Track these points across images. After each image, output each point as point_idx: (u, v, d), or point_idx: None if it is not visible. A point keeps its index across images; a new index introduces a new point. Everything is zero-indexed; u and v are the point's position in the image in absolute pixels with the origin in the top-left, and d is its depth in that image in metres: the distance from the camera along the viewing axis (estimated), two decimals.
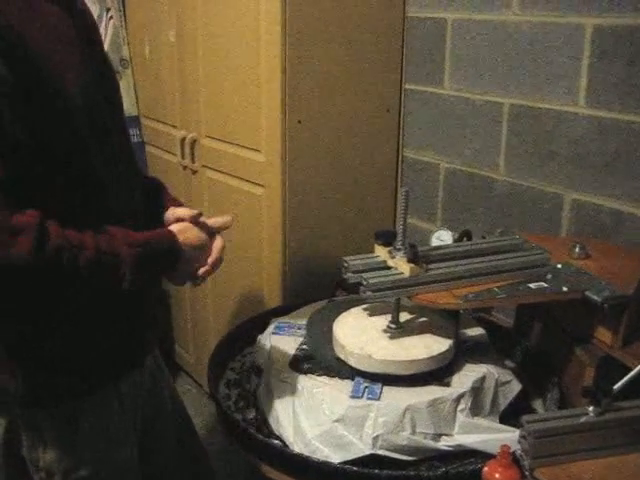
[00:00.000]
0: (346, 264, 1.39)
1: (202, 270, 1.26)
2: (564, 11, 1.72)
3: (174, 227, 1.24)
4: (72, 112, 1.08)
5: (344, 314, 1.53)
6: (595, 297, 1.33)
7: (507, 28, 1.86)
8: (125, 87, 2.69)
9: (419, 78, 2.12)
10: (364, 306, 1.54)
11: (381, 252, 1.41)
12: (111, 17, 2.72)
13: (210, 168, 2.28)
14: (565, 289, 1.37)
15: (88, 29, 1.22)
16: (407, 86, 2.16)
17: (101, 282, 1.09)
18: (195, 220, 1.28)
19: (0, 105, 0.97)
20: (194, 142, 2.33)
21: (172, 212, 1.34)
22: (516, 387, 1.43)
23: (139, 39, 2.66)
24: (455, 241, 1.69)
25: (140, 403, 1.33)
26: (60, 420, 1.19)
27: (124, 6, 2.73)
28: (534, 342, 1.62)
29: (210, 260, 1.27)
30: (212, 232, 1.30)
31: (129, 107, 2.70)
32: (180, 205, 1.38)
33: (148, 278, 1.19)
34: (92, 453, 1.22)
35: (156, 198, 1.38)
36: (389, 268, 1.38)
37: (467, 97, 1.99)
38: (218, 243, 1.30)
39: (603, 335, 1.38)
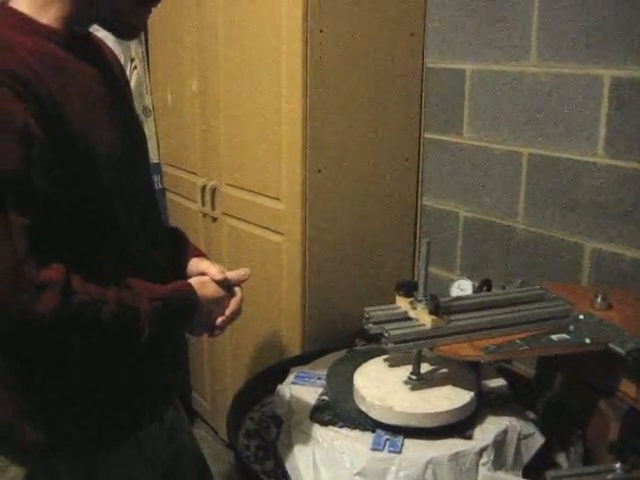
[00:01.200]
0: (367, 315, 1.39)
1: (219, 320, 1.28)
2: (582, 63, 1.74)
3: (193, 281, 1.26)
4: (100, 169, 1.10)
5: (364, 364, 1.53)
6: (619, 349, 1.32)
7: (525, 79, 1.88)
8: (147, 135, 2.72)
9: (438, 127, 2.14)
10: (385, 357, 1.53)
11: (402, 303, 1.40)
12: (135, 67, 2.78)
13: (230, 216, 2.30)
14: (588, 341, 1.36)
15: (117, 83, 1.26)
16: (426, 135, 2.18)
17: (121, 335, 1.10)
18: (216, 279, 1.30)
19: (32, 162, 0.99)
20: (214, 190, 2.35)
21: (196, 265, 1.36)
22: (539, 440, 1.41)
23: (162, 88, 2.71)
24: (475, 290, 1.69)
25: (159, 452, 1.33)
26: (79, 471, 1.19)
27: (148, 56, 2.79)
28: (556, 393, 1.60)
29: (228, 312, 1.29)
30: (230, 285, 1.32)
31: (151, 154, 2.73)
32: (203, 255, 1.41)
33: (165, 331, 1.20)
34: None
35: (179, 248, 1.41)
36: (410, 319, 1.37)
37: (486, 146, 2.01)
38: (237, 295, 1.32)
39: (628, 388, 1.36)
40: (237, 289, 1.34)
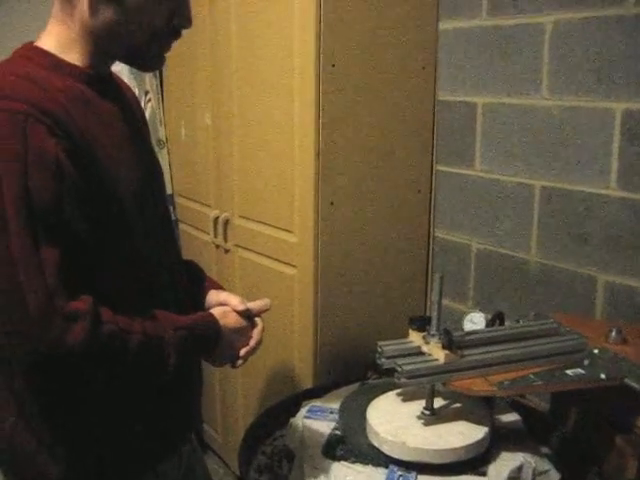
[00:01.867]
0: (380, 349, 1.38)
1: (243, 351, 1.31)
2: (593, 96, 1.75)
3: (215, 311, 1.28)
4: (124, 203, 1.14)
5: (377, 399, 1.52)
6: (635, 384, 1.31)
7: (537, 112, 1.88)
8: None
9: (450, 160, 2.15)
10: (397, 391, 1.52)
11: (415, 337, 1.40)
12: (149, 99, 2.82)
13: (242, 247, 2.31)
14: (603, 376, 1.35)
15: (136, 119, 1.30)
16: (438, 167, 2.19)
17: (147, 366, 1.12)
18: (237, 310, 1.32)
19: (64, 196, 1.02)
20: (227, 221, 2.36)
21: (216, 296, 1.39)
22: (554, 477, 1.39)
23: (176, 121, 2.74)
24: (488, 323, 1.68)
25: None
26: None
27: (162, 89, 2.83)
28: (572, 429, 1.58)
29: (252, 342, 1.32)
30: (251, 315, 1.34)
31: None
32: (220, 288, 1.44)
33: (189, 361, 1.23)
34: None
35: (196, 281, 1.43)
36: (423, 354, 1.37)
37: (498, 179, 2.01)
38: (259, 326, 1.35)
39: None
40: (258, 320, 1.36)
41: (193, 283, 1.42)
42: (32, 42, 1.16)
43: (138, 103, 1.41)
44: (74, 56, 1.14)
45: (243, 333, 1.31)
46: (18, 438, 1.16)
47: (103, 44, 1.15)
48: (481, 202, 2.07)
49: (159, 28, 1.15)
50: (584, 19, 1.74)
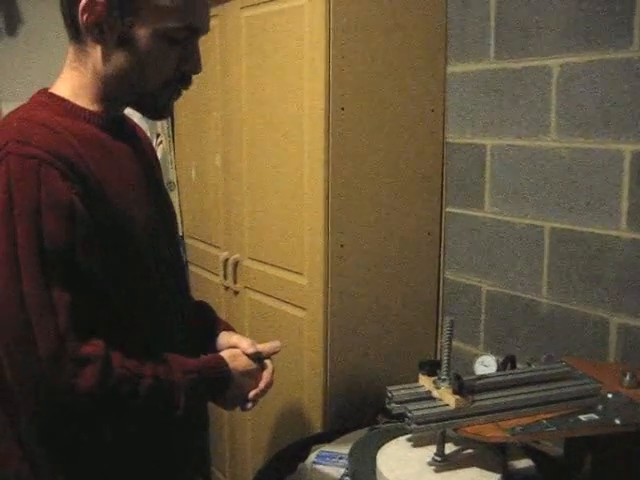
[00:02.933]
0: (390, 394, 1.37)
1: (252, 393, 1.30)
2: (602, 138, 1.75)
3: (225, 354, 1.29)
4: (137, 245, 1.15)
5: (388, 444, 1.50)
6: None
7: (546, 153, 1.89)
8: None
9: (459, 201, 2.15)
10: (408, 436, 1.50)
11: (425, 382, 1.38)
12: (161, 142, 2.85)
13: (252, 289, 2.30)
14: (618, 422, 1.32)
15: (149, 161, 1.32)
16: (448, 209, 2.19)
17: (157, 409, 1.12)
18: (247, 353, 1.33)
19: (76, 240, 1.03)
20: (237, 263, 2.36)
21: (226, 339, 1.40)
22: None
23: (186, 163, 2.76)
24: (499, 367, 1.66)
25: None
26: None
27: (173, 132, 2.86)
28: (586, 475, 1.55)
29: (261, 384, 1.32)
30: (261, 357, 1.35)
31: None
32: (231, 329, 1.45)
33: (199, 404, 1.24)
34: None
35: (207, 322, 1.45)
36: (434, 399, 1.35)
37: (508, 220, 2.01)
38: (269, 368, 1.36)
39: None
40: (268, 362, 1.37)
41: (204, 324, 1.43)
42: (47, 88, 1.19)
43: (150, 144, 1.43)
44: (87, 101, 1.17)
45: (253, 376, 1.31)
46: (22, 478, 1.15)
47: (115, 90, 1.18)
48: (491, 244, 2.07)
49: (169, 74, 1.18)
50: (591, 62, 1.75)
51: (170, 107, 1.26)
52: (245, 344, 1.34)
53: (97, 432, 1.12)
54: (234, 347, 1.35)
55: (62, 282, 1.01)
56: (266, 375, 1.34)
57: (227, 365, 1.24)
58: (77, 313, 1.02)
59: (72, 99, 1.16)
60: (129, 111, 1.29)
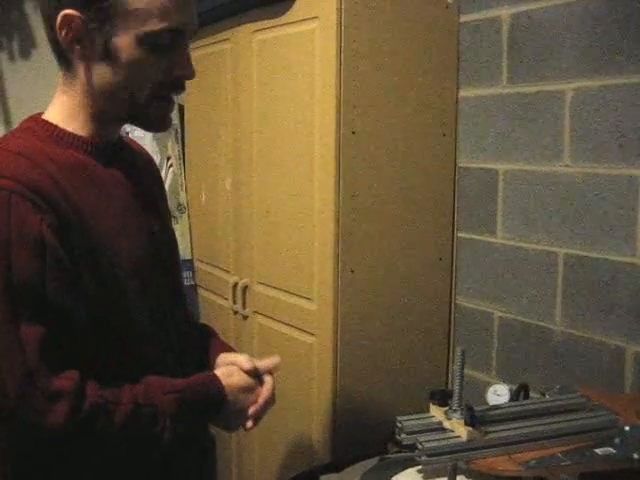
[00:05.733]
0: (400, 424, 1.33)
1: (251, 410, 1.25)
2: (616, 163, 1.73)
3: (219, 371, 1.24)
4: (121, 277, 1.11)
5: (397, 475, 1.46)
6: None
7: (559, 179, 1.86)
8: (180, 231, 2.77)
9: (471, 227, 2.13)
10: (418, 467, 1.46)
11: (437, 412, 1.35)
12: (171, 165, 2.85)
13: (261, 314, 2.28)
14: (636, 456, 1.28)
15: (147, 188, 1.27)
16: (459, 234, 2.16)
17: (139, 439, 1.07)
18: (244, 369, 1.27)
19: (46, 274, 1.00)
20: (246, 288, 2.34)
21: (224, 358, 1.34)
22: None
23: (196, 186, 2.76)
24: (512, 396, 1.62)
25: None
26: None
27: (184, 155, 2.86)
28: None
29: (260, 400, 1.26)
30: (259, 375, 1.30)
31: (183, 250, 2.76)
32: (232, 350, 1.40)
33: (191, 427, 1.15)
34: None
35: (208, 344, 1.40)
36: (445, 430, 1.32)
37: (520, 246, 1.98)
38: (268, 383, 1.30)
39: None
40: (267, 377, 1.31)
41: (203, 350, 1.39)
42: (40, 113, 1.17)
43: (155, 170, 1.40)
44: (78, 125, 1.14)
45: (250, 392, 1.25)
46: None
47: (106, 107, 1.15)
48: (503, 270, 2.04)
49: (160, 82, 1.14)
50: (605, 87, 1.73)
51: (167, 117, 1.20)
52: (241, 359, 1.29)
53: (77, 470, 1.08)
54: (231, 365, 1.30)
55: (31, 317, 0.99)
56: (264, 391, 1.28)
57: (219, 382, 1.19)
58: (49, 346, 0.99)
59: (62, 124, 1.14)
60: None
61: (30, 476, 1.09)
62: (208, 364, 1.35)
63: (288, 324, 2.13)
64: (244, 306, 2.36)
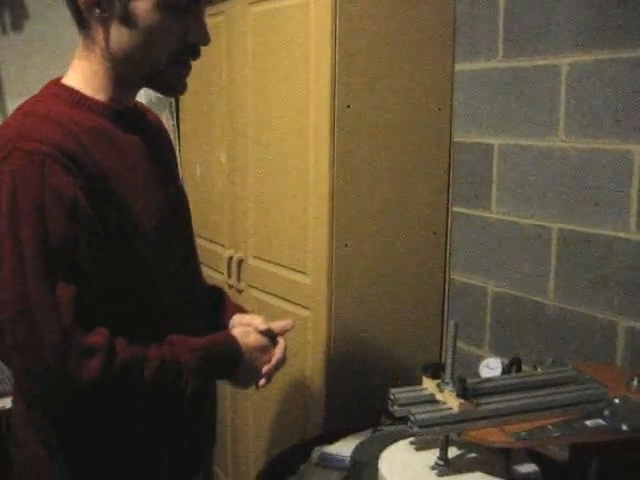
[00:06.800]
0: (393, 396, 1.35)
1: (266, 368, 1.32)
2: (611, 138, 1.73)
3: (236, 331, 1.30)
4: (144, 236, 1.17)
5: (390, 447, 1.47)
6: None
7: (554, 154, 1.86)
8: None
9: (466, 201, 2.13)
10: (411, 439, 1.48)
11: (429, 385, 1.36)
12: None
13: (256, 288, 2.29)
14: (625, 427, 1.30)
15: (162, 152, 1.34)
16: (454, 209, 2.16)
17: (165, 392, 1.14)
18: (259, 329, 1.35)
19: (79, 235, 1.05)
20: (241, 262, 2.35)
21: (239, 319, 1.43)
22: None
23: (191, 160, 2.75)
24: (505, 369, 1.64)
25: None
26: None
27: (179, 128, 2.85)
28: None
29: (273, 360, 1.34)
30: (273, 336, 1.37)
31: None
32: (245, 311, 1.49)
33: (209, 382, 1.27)
34: None
35: (220, 306, 1.49)
36: (437, 402, 1.33)
37: (515, 221, 1.98)
38: (281, 344, 1.37)
39: None
40: (280, 338, 1.39)
41: (216, 309, 1.46)
42: (59, 78, 1.20)
43: (165, 132, 1.44)
44: (97, 90, 1.18)
45: (265, 352, 1.32)
46: (38, 466, 1.20)
47: (124, 71, 1.18)
48: (497, 244, 2.04)
49: (176, 47, 1.17)
50: (601, 61, 1.73)
51: (183, 82, 1.24)
52: (257, 321, 1.36)
53: (107, 419, 1.14)
54: (247, 326, 1.36)
55: (66, 276, 1.02)
56: (277, 351, 1.35)
57: (237, 341, 1.25)
58: (81, 305, 1.03)
59: (81, 88, 1.17)
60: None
61: (64, 431, 1.16)
62: (222, 324, 1.42)
63: (283, 298, 2.14)
64: (239, 280, 2.36)
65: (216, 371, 1.24)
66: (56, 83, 1.19)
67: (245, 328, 1.34)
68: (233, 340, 1.26)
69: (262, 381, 1.33)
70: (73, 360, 1.01)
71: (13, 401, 1.29)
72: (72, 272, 1.04)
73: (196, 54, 1.21)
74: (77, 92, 1.16)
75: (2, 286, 1.02)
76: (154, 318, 1.20)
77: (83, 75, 1.18)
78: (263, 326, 1.35)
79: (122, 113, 1.21)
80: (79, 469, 1.18)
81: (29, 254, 1.01)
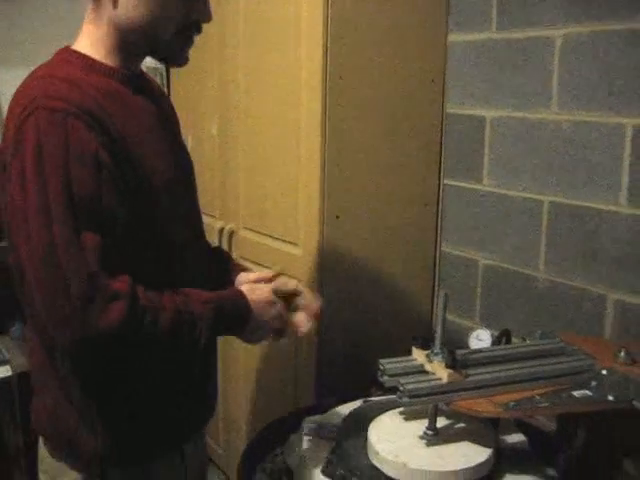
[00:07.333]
0: (382, 367, 1.35)
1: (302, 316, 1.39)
2: (604, 111, 1.72)
3: (243, 287, 1.32)
4: (157, 192, 1.22)
5: (380, 417, 1.49)
6: None
7: (546, 126, 1.86)
8: None
9: (458, 174, 2.13)
10: (400, 409, 1.49)
11: (419, 355, 1.37)
12: None
13: (247, 260, 2.28)
14: (611, 398, 1.31)
15: (168, 117, 1.39)
16: (446, 181, 2.16)
17: (180, 341, 1.17)
18: (266, 280, 1.40)
19: (102, 187, 1.09)
20: (232, 233, 2.34)
21: (245, 277, 1.47)
22: None
23: (182, 131, 2.72)
24: (494, 341, 1.65)
25: (199, 463, 1.46)
26: (136, 474, 1.27)
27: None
28: (578, 450, 1.54)
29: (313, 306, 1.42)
30: (283, 294, 1.40)
31: None
32: (250, 270, 1.53)
33: (221, 335, 1.28)
34: None
35: (224, 265, 1.53)
36: (427, 372, 1.34)
37: (506, 194, 1.99)
38: (306, 292, 1.45)
39: None
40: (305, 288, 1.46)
41: (221, 268, 1.51)
42: (69, 46, 1.24)
43: (169, 99, 1.50)
44: (106, 55, 1.22)
45: (273, 306, 1.33)
46: (60, 412, 1.24)
47: (130, 40, 1.22)
48: (489, 217, 2.05)
49: (180, 22, 1.22)
50: (594, 33, 1.72)
51: (186, 54, 1.28)
52: (264, 274, 1.42)
53: (125, 366, 1.20)
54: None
55: (90, 225, 1.07)
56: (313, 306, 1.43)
57: (245, 296, 1.27)
58: (105, 254, 1.07)
59: (91, 53, 1.21)
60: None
61: (83, 379, 1.21)
62: (228, 281, 1.46)
63: None
64: (230, 251, 2.36)
65: (226, 324, 1.25)
66: (66, 50, 1.23)
67: (251, 284, 1.36)
68: (241, 295, 1.28)
69: (305, 327, 1.40)
70: (98, 304, 1.04)
71: (30, 352, 1.32)
72: (96, 222, 1.08)
73: (199, 30, 1.27)
74: (88, 57, 1.20)
75: (29, 235, 1.05)
76: (167, 270, 1.25)
77: (91, 42, 1.22)
78: (266, 275, 1.41)
79: (132, 77, 1.25)
80: (98, 413, 1.22)
81: (55, 204, 1.05)
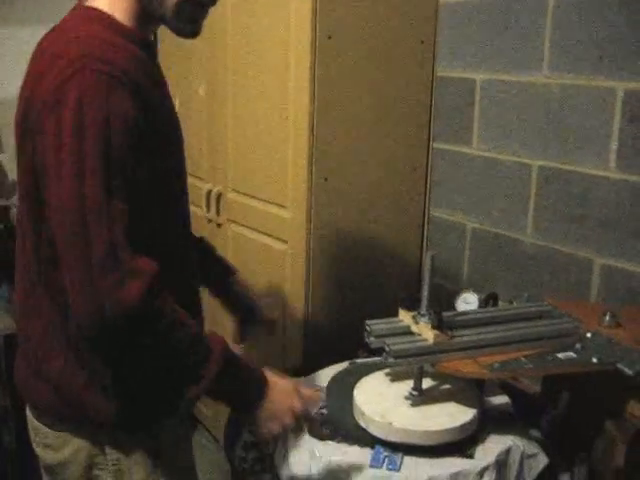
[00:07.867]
0: (369, 328, 1.36)
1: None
2: (594, 75, 1.71)
3: (277, 379, 1.24)
4: (177, 165, 1.24)
5: (365, 378, 1.50)
6: (627, 369, 1.29)
7: (537, 90, 1.85)
8: None
9: (447, 137, 2.11)
10: (386, 371, 1.50)
11: (405, 317, 1.38)
12: None
13: (235, 222, 2.28)
14: (595, 360, 1.33)
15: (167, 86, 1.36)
16: (435, 145, 2.15)
17: (184, 365, 1.11)
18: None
19: (138, 155, 1.07)
20: (220, 196, 2.33)
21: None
22: (542, 461, 1.38)
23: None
24: (481, 304, 1.65)
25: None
26: (143, 443, 1.23)
27: None
28: (562, 412, 1.56)
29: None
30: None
31: None
32: (233, 271, 1.60)
33: (223, 394, 1.18)
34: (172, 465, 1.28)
35: (211, 260, 1.57)
36: (413, 334, 1.34)
37: (495, 158, 1.98)
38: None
39: (636, 409, 1.33)
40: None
41: (206, 262, 1.51)
42: (83, 2, 1.18)
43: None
44: (123, 16, 1.17)
45: (290, 396, 1.23)
46: (68, 378, 1.18)
47: (145, 6, 1.17)
48: (477, 181, 2.04)
49: None
50: None
51: (200, 25, 1.25)
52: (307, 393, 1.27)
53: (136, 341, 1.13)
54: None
55: (122, 194, 1.04)
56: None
57: (267, 383, 1.20)
58: (133, 227, 1.04)
59: (112, 13, 1.16)
60: None
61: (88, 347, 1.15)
62: (209, 278, 1.50)
63: (262, 232, 2.14)
64: (218, 214, 2.35)
65: (237, 386, 1.17)
66: (87, 7, 1.17)
67: (289, 386, 1.25)
68: (265, 381, 1.20)
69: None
70: (117, 275, 1.01)
71: (36, 315, 1.24)
72: (126, 191, 1.05)
73: (214, 1, 1.24)
74: (110, 17, 1.15)
75: (61, 196, 1.03)
76: (173, 253, 1.22)
77: (109, 1, 1.16)
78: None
79: (150, 44, 1.23)
80: (108, 373, 1.18)
81: (90, 166, 1.02)
